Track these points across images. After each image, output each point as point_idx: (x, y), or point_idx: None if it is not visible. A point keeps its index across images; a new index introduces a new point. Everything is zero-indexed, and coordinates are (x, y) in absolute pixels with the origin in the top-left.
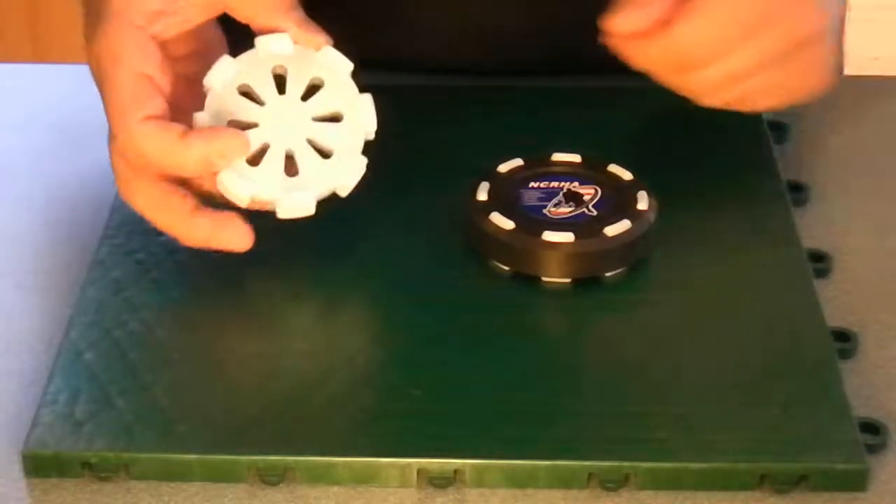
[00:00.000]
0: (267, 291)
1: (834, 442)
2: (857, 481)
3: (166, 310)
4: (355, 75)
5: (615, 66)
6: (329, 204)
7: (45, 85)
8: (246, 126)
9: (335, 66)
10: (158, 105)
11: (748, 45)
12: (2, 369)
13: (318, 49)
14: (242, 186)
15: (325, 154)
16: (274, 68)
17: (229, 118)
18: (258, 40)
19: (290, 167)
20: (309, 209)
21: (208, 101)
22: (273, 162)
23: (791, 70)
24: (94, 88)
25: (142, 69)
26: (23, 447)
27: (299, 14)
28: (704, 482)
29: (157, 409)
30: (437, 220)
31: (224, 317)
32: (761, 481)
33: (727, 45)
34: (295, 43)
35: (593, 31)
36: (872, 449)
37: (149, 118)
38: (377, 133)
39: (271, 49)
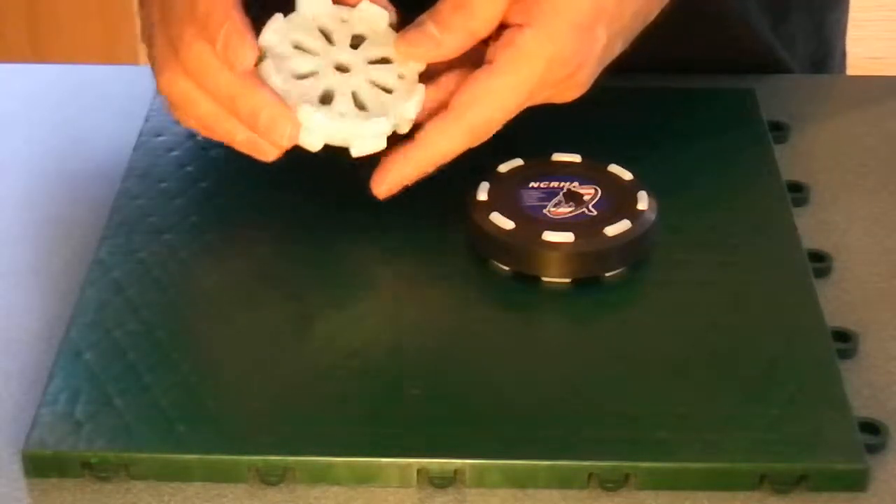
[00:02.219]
0: (267, 291)
1: (834, 442)
2: (857, 481)
3: (166, 310)
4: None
5: (615, 67)
6: (328, 205)
7: (45, 85)
8: (307, 76)
9: (374, 18)
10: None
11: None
12: (2, 369)
13: (356, 3)
14: (272, 82)
15: (386, 90)
16: (357, 32)
17: (293, 41)
18: (299, 2)
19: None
20: (314, 145)
21: (268, 62)
22: (342, 103)
23: (541, 99)
24: (94, 88)
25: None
26: (23, 447)
27: None
28: (704, 482)
29: (157, 409)
30: (437, 220)
31: (224, 317)
32: (761, 481)
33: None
34: (391, 24)
35: None
36: (872, 449)
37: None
38: None
39: (312, 8)
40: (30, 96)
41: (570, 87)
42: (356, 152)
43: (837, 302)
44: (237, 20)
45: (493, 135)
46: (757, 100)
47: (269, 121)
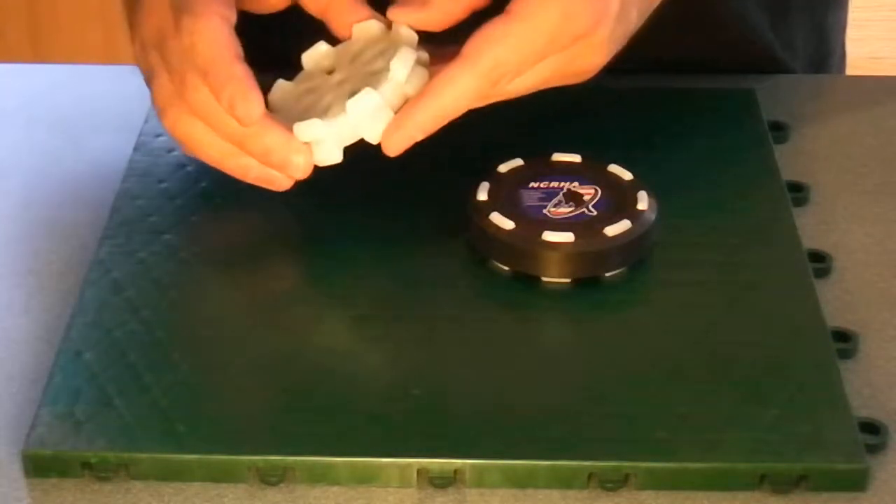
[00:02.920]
0: (267, 292)
1: (834, 442)
2: (857, 481)
3: (166, 310)
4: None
5: (616, 67)
6: (328, 205)
7: (45, 84)
8: (309, 107)
9: (366, 29)
10: (232, 13)
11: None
12: (2, 369)
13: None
14: (321, 133)
15: (376, 73)
16: (322, 68)
17: (296, 113)
18: (303, 57)
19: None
20: (334, 155)
21: (298, 77)
22: (338, 105)
23: (563, 64)
24: (94, 88)
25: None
26: (23, 447)
27: (365, 6)
28: (704, 482)
29: (157, 409)
30: (437, 220)
31: (224, 317)
32: (761, 481)
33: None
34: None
35: None
36: (872, 449)
37: (224, 17)
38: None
39: (314, 56)
40: (30, 96)
41: (589, 49)
42: (372, 137)
43: (837, 302)
44: (240, 76)
45: (493, 135)
46: (757, 100)
47: (283, 159)
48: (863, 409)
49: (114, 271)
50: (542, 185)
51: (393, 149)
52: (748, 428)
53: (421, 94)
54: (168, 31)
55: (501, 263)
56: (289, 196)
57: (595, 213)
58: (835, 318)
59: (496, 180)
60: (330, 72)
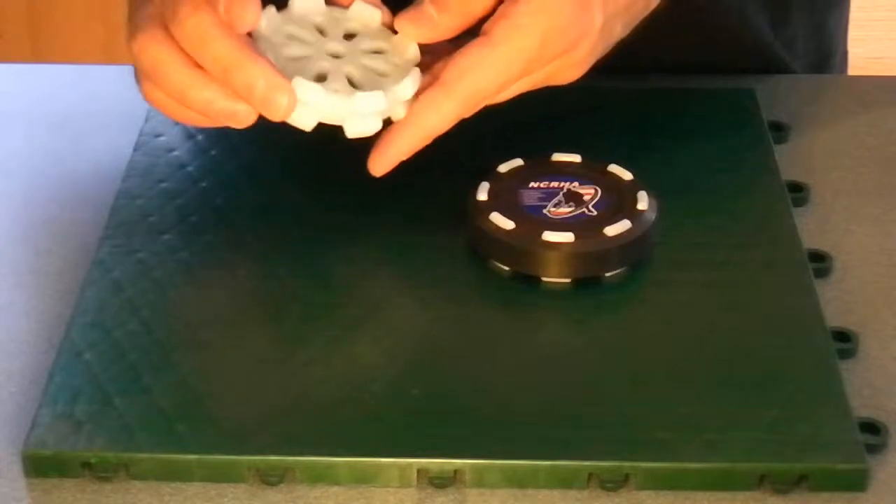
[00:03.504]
0: (267, 292)
1: (834, 442)
2: (857, 481)
3: (166, 310)
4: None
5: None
6: (329, 205)
7: (45, 85)
8: (300, 59)
9: (367, 16)
10: None
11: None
12: (2, 369)
13: (349, 4)
14: (313, 98)
15: (382, 76)
16: (350, 29)
17: (287, 32)
18: (353, 3)
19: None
20: (308, 122)
21: (260, 43)
22: (336, 81)
23: (541, 80)
24: (94, 88)
25: None
26: (23, 447)
27: None
28: (704, 482)
29: (157, 409)
30: (437, 220)
31: (224, 317)
32: (761, 481)
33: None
34: (384, 23)
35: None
36: (872, 449)
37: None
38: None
39: (305, 6)
40: (30, 96)
41: (569, 66)
42: (351, 131)
43: (837, 302)
44: None
45: (493, 135)
46: (757, 100)
47: (267, 90)
48: (863, 409)
49: (114, 271)
50: (542, 185)
51: (378, 170)
52: (748, 428)
53: (404, 118)
54: None
55: (501, 263)
56: (289, 196)
57: (595, 213)
58: (835, 318)
59: (496, 180)
60: (321, 31)
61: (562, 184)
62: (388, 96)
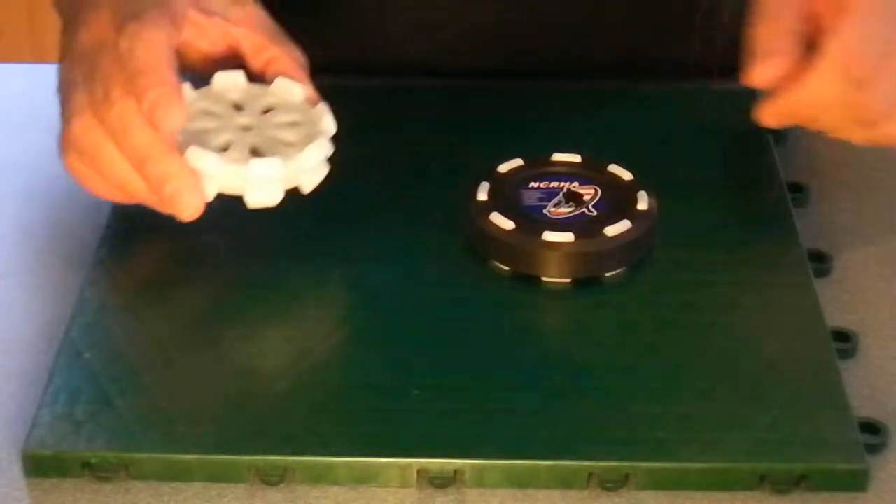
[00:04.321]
0: (267, 292)
1: (834, 442)
2: (857, 481)
3: (166, 310)
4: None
5: (616, 70)
6: (329, 205)
7: (45, 85)
8: (205, 131)
9: (288, 91)
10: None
11: None
12: (2, 369)
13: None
14: (207, 159)
15: (288, 145)
16: (230, 100)
17: (190, 130)
18: (215, 75)
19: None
20: (276, 198)
21: (202, 91)
22: (237, 150)
23: None
24: None
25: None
26: (23, 447)
27: (306, 72)
28: (704, 482)
29: (157, 409)
30: (437, 220)
31: (224, 317)
32: (761, 481)
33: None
34: (307, 98)
35: (594, 34)
36: (872, 449)
37: (172, 37)
38: (378, 134)
39: (226, 82)
40: (30, 96)
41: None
42: (251, 201)
43: (837, 302)
44: (172, 83)
45: (493, 135)
46: (757, 100)
47: (175, 190)
48: (863, 409)
49: (114, 271)
50: (542, 185)
51: (769, 122)
52: (748, 428)
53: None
54: (107, 41)
55: (501, 263)
56: (289, 196)
57: (595, 213)
58: (835, 318)
59: (496, 180)
60: (237, 107)
61: (562, 184)
62: (288, 163)
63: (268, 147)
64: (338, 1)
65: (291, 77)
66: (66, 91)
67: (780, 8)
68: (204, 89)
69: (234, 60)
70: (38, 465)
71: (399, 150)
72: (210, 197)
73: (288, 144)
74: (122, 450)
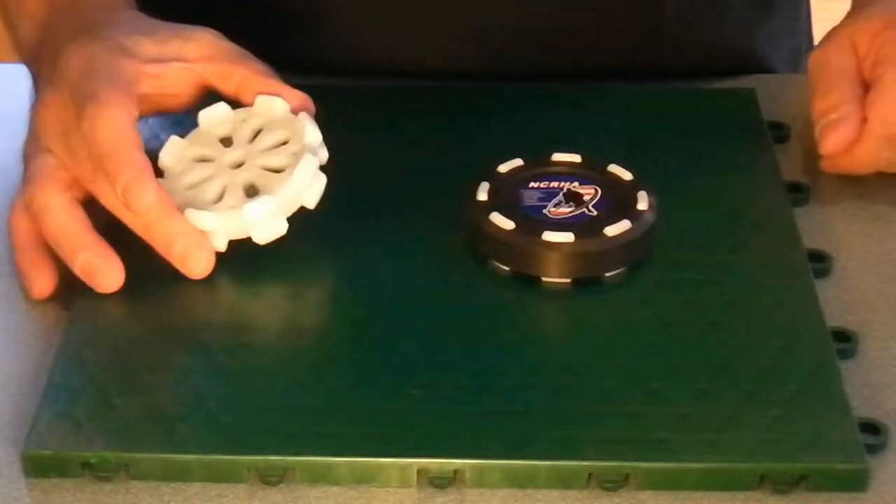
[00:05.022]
0: (267, 292)
1: (834, 442)
2: (857, 481)
3: (166, 309)
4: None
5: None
6: (329, 205)
7: None
8: (197, 184)
9: (271, 108)
10: (135, 114)
11: None
12: (2, 369)
13: (302, 110)
14: (205, 218)
15: (277, 170)
16: (219, 133)
17: (185, 187)
18: (200, 114)
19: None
20: (281, 229)
21: (165, 180)
22: (232, 196)
23: None
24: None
25: (133, 84)
26: (23, 447)
27: (278, 80)
28: (704, 482)
29: (157, 409)
30: (437, 220)
31: (224, 317)
32: (761, 481)
33: None
34: (291, 108)
35: (595, 37)
36: (872, 449)
37: (131, 113)
38: (378, 134)
39: (211, 117)
40: (30, 96)
41: None
42: (259, 239)
43: (837, 302)
44: (138, 164)
45: (493, 135)
46: (757, 100)
47: (184, 249)
48: (863, 409)
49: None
50: (542, 185)
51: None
52: (748, 428)
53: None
54: (69, 122)
55: (501, 263)
56: None
57: (595, 213)
58: (835, 318)
59: (496, 180)
60: (225, 140)
61: (562, 184)
62: (281, 194)
63: (260, 180)
64: (337, 1)
65: (267, 92)
66: (29, 148)
67: (835, 78)
68: (193, 133)
69: (207, 91)
70: (38, 465)
71: (399, 150)
72: (222, 248)
73: (278, 171)
74: (122, 450)
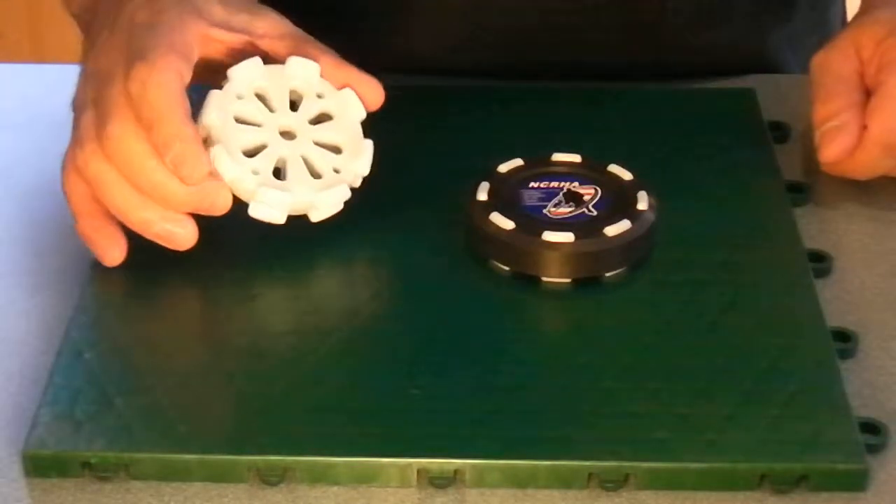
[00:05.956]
0: (267, 292)
1: (834, 442)
2: (857, 481)
3: (166, 310)
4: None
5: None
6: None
7: (45, 85)
8: (256, 151)
9: (306, 71)
10: (188, 77)
11: None
12: (2, 369)
13: (374, 102)
14: (228, 167)
15: (314, 174)
16: (292, 88)
17: (235, 114)
18: (288, 60)
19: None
20: (278, 218)
21: (219, 148)
22: (296, 172)
23: None
24: None
25: (193, 47)
26: (23, 447)
27: (347, 65)
28: (704, 482)
29: (157, 409)
30: (437, 220)
31: (225, 317)
32: (761, 481)
33: None
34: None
35: (596, 36)
36: (872, 449)
37: (181, 76)
38: (377, 134)
39: (245, 75)
40: (30, 96)
41: None
42: (316, 218)
43: (837, 302)
44: (190, 136)
45: (493, 135)
46: (757, 100)
47: (213, 201)
48: (863, 409)
49: (113, 271)
50: (542, 185)
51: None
52: (748, 428)
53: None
54: (116, 74)
55: (501, 263)
56: None
57: (595, 213)
58: (835, 318)
59: (496, 180)
60: (263, 99)
61: (562, 184)
62: (300, 197)
63: (321, 162)
64: (335, 1)
65: (337, 77)
66: (77, 110)
67: (836, 84)
68: (227, 87)
69: None
70: (38, 465)
71: (398, 149)
72: (281, 221)
73: (316, 173)
74: (122, 450)
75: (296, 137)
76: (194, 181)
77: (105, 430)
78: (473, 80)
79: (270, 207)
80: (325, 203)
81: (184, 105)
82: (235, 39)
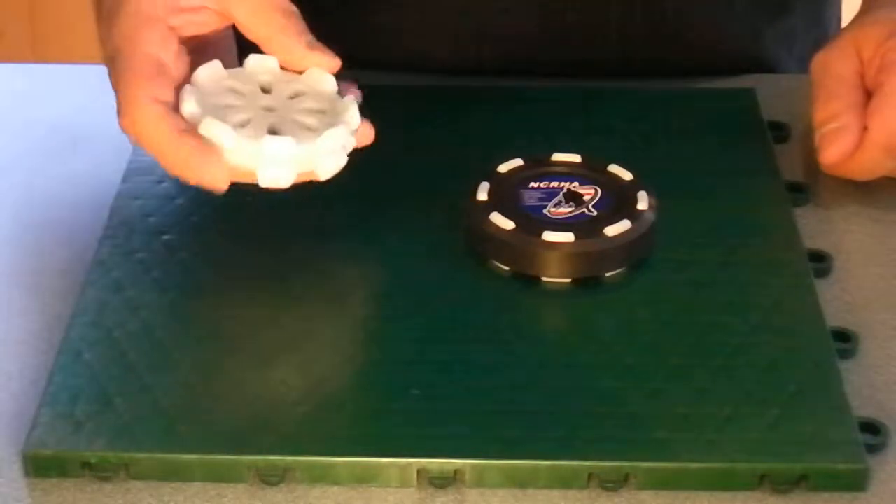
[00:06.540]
0: (267, 291)
1: (834, 442)
2: (857, 481)
3: (166, 310)
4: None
5: (618, 71)
6: (328, 205)
7: (45, 85)
8: (225, 106)
9: (321, 81)
10: (167, 92)
11: None
12: (2, 369)
13: (330, 71)
14: (227, 135)
15: (307, 129)
16: (259, 81)
17: (214, 103)
18: (249, 57)
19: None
20: (286, 179)
21: (196, 86)
22: (256, 127)
23: None
24: (94, 88)
25: (157, 54)
26: (23, 447)
27: (309, 38)
28: (704, 482)
29: (157, 409)
30: (437, 220)
31: (224, 317)
32: (761, 481)
33: None
34: (306, 66)
35: (596, 34)
36: (872, 449)
37: (157, 101)
38: (378, 133)
39: (259, 65)
40: (30, 96)
41: None
42: (263, 179)
43: (837, 302)
44: (191, 149)
45: (493, 135)
46: (757, 100)
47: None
48: (863, 409)
49: (114, 271)
50: (542, 185)
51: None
52: (748, 428)
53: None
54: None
55: (501, 263)
56: (289, 195)
57: (595, 213)
58: (835, 318)
59: (496, 180)
60: (265, 89)
61: (562, 184)
62: (303, 145)
63: (286, 129)
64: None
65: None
66: (109, 64)
67: (836, 85)
68: (235, 70)
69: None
70: (38, 465)
71: (398, 149)
72: (289, 181)
73: (308, 128)
74: (122, 450)
75: (273, 111)
76: (219, 187)
77: (105, 430)
78: (474, 79)
79: (277, 166)
80: (328, 148)
81: (172, 130)
82: (198, 13)
